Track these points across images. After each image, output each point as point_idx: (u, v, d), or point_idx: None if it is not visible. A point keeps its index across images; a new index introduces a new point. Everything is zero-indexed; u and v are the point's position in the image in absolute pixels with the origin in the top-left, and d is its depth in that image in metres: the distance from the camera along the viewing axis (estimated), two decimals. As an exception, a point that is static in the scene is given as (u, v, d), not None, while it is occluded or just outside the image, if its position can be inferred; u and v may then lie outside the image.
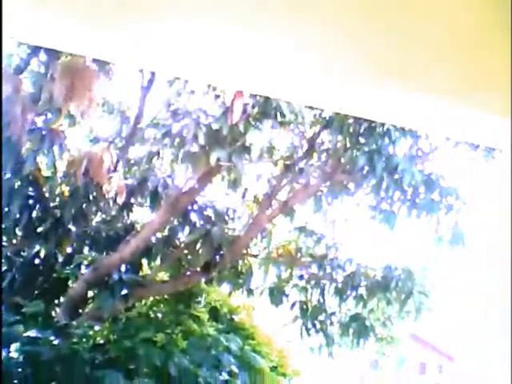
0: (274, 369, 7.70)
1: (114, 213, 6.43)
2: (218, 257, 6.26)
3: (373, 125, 5.76)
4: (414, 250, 8.06)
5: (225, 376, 6.57)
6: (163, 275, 7.29)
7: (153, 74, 6.17)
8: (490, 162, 5.80)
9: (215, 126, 5.26)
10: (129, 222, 6.63)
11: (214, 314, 7.38)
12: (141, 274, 6.77)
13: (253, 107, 5.44)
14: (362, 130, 5.89)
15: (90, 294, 6.40)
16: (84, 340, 5.91)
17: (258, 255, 6.92)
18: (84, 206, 6.00)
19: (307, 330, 6.97)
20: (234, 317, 7.87)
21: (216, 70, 1.46)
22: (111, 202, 6.19)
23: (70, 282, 6.41)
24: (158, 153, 6.06)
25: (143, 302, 7.10)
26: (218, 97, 5.47)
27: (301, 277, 6.97)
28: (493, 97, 1.48)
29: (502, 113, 1.48)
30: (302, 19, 1.35)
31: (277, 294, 6.84)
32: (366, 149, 5.84)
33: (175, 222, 6.39)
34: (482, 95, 1.48)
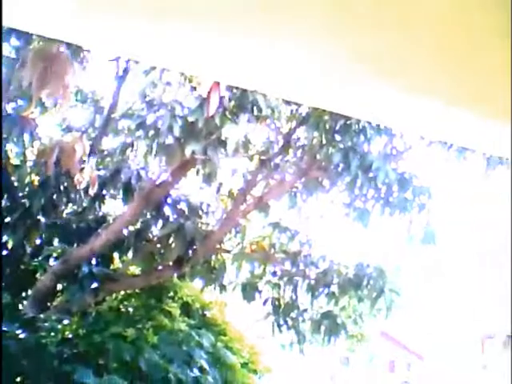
0: (245, 365, 7.69)
1: (85, 204, 6.30)
2: (190, 251, 6.19)
3: (348, 122, 5.78)
4: (387, 249, 8.14)
5: (196, 372, 6.52)
6: (135, 269, 7.19)
7: (128, 63, 6.06)
8: (462, 161, 5.88)
9: (191, 119, 5.18)
10: (100, 214, 6.51)
11: (186, 309, 7.32)
12: (112, 267, 6.66)
13: (229, 100, 5.38)
14: (337, 127, 5.90)
15: (59, 286, 6.26)
16: (52, 334, 5.79)
17: (231, 251, 6.88)
18: (54, 196, 5.87)
19: (279, 326, 6.96)
20: (206, 312, 7.82)
21: (193, 60, 1.42)
22: (82, 194, 6.06)
23: (38, 275, 6.26)
24: (132, 144, 5.95)
25: (114, 296, 6.99)
26: (194, 89, 5.39)
27: (274, 273, 6.96)
28: (493, 101, 1.47)
29: (501, 117, 1.47)
30: (281, 10, 1.32)
31: (249, 290, 6.81)
32: (342, 146, 5.85)
33: (148, 216, 6.30)
34: (481, 99, 1.46)
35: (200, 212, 6.59)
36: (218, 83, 4.80)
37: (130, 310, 7.12)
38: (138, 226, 6.42)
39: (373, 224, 6.41)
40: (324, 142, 6.03)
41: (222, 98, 5.18)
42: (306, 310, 7.01)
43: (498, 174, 5.74)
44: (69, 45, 4.71)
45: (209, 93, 4.82)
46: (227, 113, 5.38)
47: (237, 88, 5.34)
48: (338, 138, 5.96)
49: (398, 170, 6.10)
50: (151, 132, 5.33)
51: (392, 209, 6.14)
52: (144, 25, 1.26)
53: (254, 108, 5.51)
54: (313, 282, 6.74)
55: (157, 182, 6.02)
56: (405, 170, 6.18)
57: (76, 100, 6.81)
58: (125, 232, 6.26)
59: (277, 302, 6.94)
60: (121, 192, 6.18)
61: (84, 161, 5.74)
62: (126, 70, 6.28)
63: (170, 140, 5.32)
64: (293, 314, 6.97)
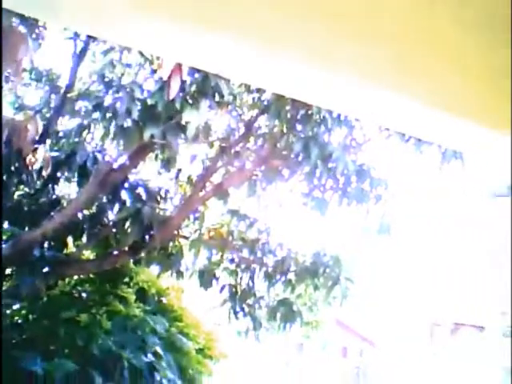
0: (200, 351, 7.70)
1: (38, 186, 6.09)
2: (147, 237, 6.10)
3: (310, 112, 5.79)
4: (343, 238, 8.27)
5: (150, 357, 6.49)
6: (89, 254, 7.05)
7: (86, 42, 5.86)
8: (418, 155, 6.01)
9: (150, 102, 5.07)
10: (54, 196, 6.32)
11: (142, 295, 7.24)
12: (65, 251, 6.50)
13: (191, 85, 5.28)
14: (299, 117, 5.91)
15: (8, 271, 6.06)
16: (0, 319, 5.61)
17: (189, 237, 6.83)
18: (5, 177, 5.64)
19: (235, 313, 6.99)
20: (162, 298, 7.77)
21: (156, 40, 1.37)
22: (35, 175, 5.85)
23: (-14, 258, 6.03)
24: (89, 126, 5.78)
25: (67, 280, 6.84)
26: (154, 71, 5.27)
27: (231, 260, 6.97)
28: (450, 95, 1.48)
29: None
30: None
31: (207, 277, 6.79)
32: (302, 135, 5.86)
33: (104, 200, 6.16)
34: (437, 92, 1.47)
35: (158, 197, 6.50)
36: (179, 66, 4.70)
37: (84, 295, 7.00)
38: (94, 209, 6.27)
39: (330, 214, 6.49)
40: (285, 130, 6.03)
41: (183, 82, 5.08)
42: (262, 297, 7.05)
43: (453, 167, 5.90)
44: (23, 19, 4.51)
45: (170, 76, 4.71)
46: (188, 97, 5.29)
47: (199, 72, 5.25)
48: (299, 127, 5.97)
49: (357, 162, 6.18)
50: (109, 114, 5.18)
51: (350, 199, 6.22)
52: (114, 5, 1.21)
53: (216, 94, 5.43)
54: (270, 269, 6.78)
55: (114, 166, 5.88)
56: (363, 161, 6.26)
57: (30, 78, 6.55)
58: (79, 216, 6.11)
59: (234, 289, 6.96)
60: (76, 175, 6.01)
61: (37, 141, 5.54)
62: (83, 49, 6.07)
63: (128, 123, 5.19)
64: (249, 301, 7.00)
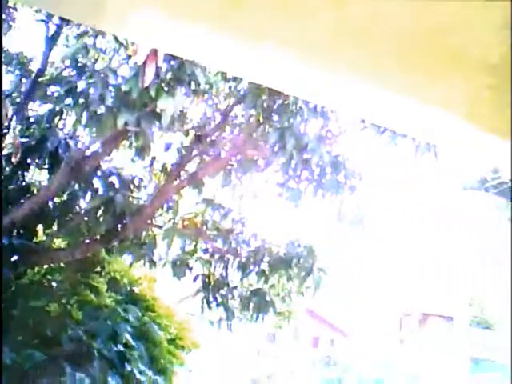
0: (172, 341, 7.67)
1: (7, 173, 5.93)
2: (120, 226, 6.02)
3: (286, 102, 5.77)
4: (317, 229, 8.32)
5: (120, 348, 6.43)
6: (60, 242, 6.92)
7: (59, 25, 5.70)
8: (393, 147, 6.06)
9: (125, 88, 4.96)
10: (24, 183, 6.16)
11: (114, 284, 7.16)
12: (35, 240, 6.36)
13: (166, 72, 5.20)
14: (275, 107, 5.88)
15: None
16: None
17: (162, 226, 6.76)
18: (-29, 162, 5.47)
19: (208, 303, 6.97)
20: (134, 288, 7.70)
21: (130, 25, 1.33)
22: (4, 161, 5.69)
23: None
24: (61, 112, 5.64)
25: (36, 269, 6.70)
26: (129, 57, 5.16)
27: (205, 250, 6.93)
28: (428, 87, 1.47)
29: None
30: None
31: (180, 267, 6.75)
32: (278, 126, 5.85)
33: (76, 187, 6.04)
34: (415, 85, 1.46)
35: (131, 186, 6.40)
36: (155, 53, 4.61)
37: (54, 284, 6.88)
38: (65, 197, 6.14)
39: (305, 204, 6.51)
40: (261, 120, 6.00)
41: (158, 68, 5.00)
42: (235, 288, 7.05)
43: (427, 160, 5.97)
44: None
45: (145, 62, 4.62)
46: (163, 85, 5.20)
47: (174, 60, 5.17)
48: (275, 117, 5.95)
49: (332, 153, 6.20)
50: (82, 100, 5.06)
51: (324, 190, 6.24)
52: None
53: (192, 82, 5.36)
54: (244, 259, 6.78)
55: (86, 153, 5.76)
56: (338, 152, 6.29)
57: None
58: (50, 204, 5.98)
59: (207, 279, 6.93)
60: (47, 161, 5.87)
61: (6, 126, 5.38)
62: (56, 33, 5.91)
63: (101, 109, 5.08)
64: (222, 291, 6.99)
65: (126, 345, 6.47)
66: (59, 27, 5.97)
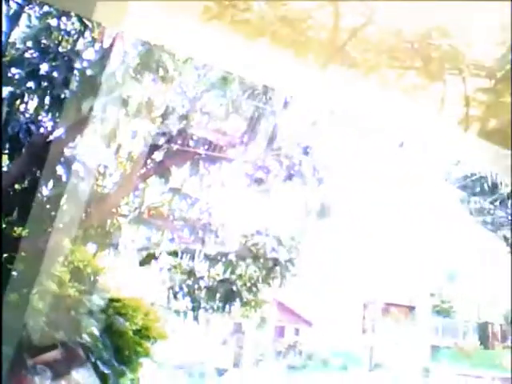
0: (137, 332, 7.58)
1: (-36, 158, 5.69)
2: (84, 214, 5.88)
3: (256, 92, 5.73)
4: (285, 220, 8.35)
5: (85, 338, 6.33)
6: (21, 231, 6.71)
7: (20, 5, 5.46)
8: (364, 139, 6.11)
9: (90, 72, 4.82)
10: (-18, 169, 5.93)
11: (77, 274, 7.01)
12: (-6, 228, 6.15)
13: (133, 57, 5.07)
14: (245, 96, 5.83)
15: None
16: None
17: (128, 215, 6.64)
18: None
19: (175, 293, 6.92)
20: (98, 278, 7.56)
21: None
22: (-39, 146, 5.46)
23: None
24: (23, 95, 5.43)
25: (-5, 258, 6.49)
26: (95, 40, 5.01)
27: (172, 240, 6.86)
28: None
29: None
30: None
31: (146, 257, 6.66)
32: (248, 115, 5.80)
33: (38, 174, 5.85)
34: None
35: (96, 174, 6.25)
36: (122, 36, 4.49)
37: (14, 274, 6.68)
38: (26, 184, 5.95)
39: (273, 196, 6.51)
40: (230, 110, 5.94)
41: (125, 53, 4.87)
42: (202, 278, 7.02)
43: (399, 153, 6.05)
44: None
45: (111, 46, 4.49)
46: (131, 70, 5.08)
47: (142, 45, 5.05)
48: (244, 107, 5.90)
49: (302, 144, 6.21)
50: (44, 83, 4.89)
51: (293, 182, 6.25)
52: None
53: (160, 68, 5.25)
54: (211, 250, 6.74)
55: (49, 139, 5.58)
56: (308, 144, 6.30)
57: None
58: (10, 190, 5.78)
59: (173, 269, 6.87)
60: (7, 147, 5.66)
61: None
62: (18, 12, 5.66)
63: (65, 94, 4.93)
64: (189, 282, 6.95)
65: (90, 335, 6.37)
66: (21, 6, 5.73)
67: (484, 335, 12.71)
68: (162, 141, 6.32)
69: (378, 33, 1.42)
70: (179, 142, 6.31)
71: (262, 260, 6.73)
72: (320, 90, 1.59)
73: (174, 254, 6.89)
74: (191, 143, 6.27)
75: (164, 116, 6.25)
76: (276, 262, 6.58)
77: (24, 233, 6.70)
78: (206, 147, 6.32)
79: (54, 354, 6.00)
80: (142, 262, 6.71)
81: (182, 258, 6.94)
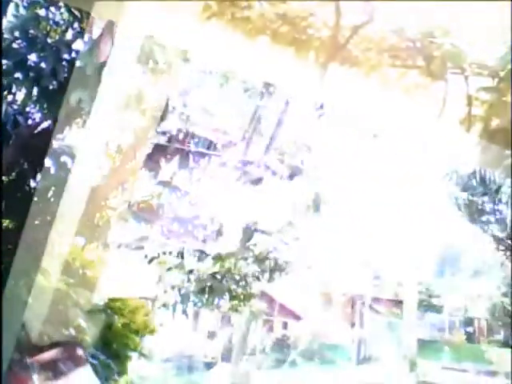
0: (126, 325, 7.57)
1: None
2: (73, 207, 5.83)
3: (247, 86, 5.72)
4: (275, 214, 8.36)
5: (72, 332, 6.31)
6: (8, 223, 6.66)
7: (8, -7, 5.38)
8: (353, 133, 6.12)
9: (79, 63, 4.77)
10: (-32, 161, 5.86)
11: (65, 267, 6.98)
12: (-20, 220, 6.10)
13: (123, 49, 5.01)
14: (246, 95, 5.83)
15: None
16: None
17: (117, 208, 6.61)
18: None
19: (163, 287, 6.91)
20: (86, 271, 7.53)
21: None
22: None
23: None
24: (10, 86, 5.36)
25: (-18, 251, 6.43)
26: (84, 31, 4.95)
27: (161, 233, 6.85)
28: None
29: None
30: None
31: (135, 250, 6.64)
32: (249, 114, 5.80)
33: (25, 166, 5.80)
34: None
35: (85, 166, 6.20)
36: (111, 27, 4.44)
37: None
38: (13, 176, 5.89)
39: (263, 189, 6.52)
40: (231, 108, 5.93)
41: (115, 44, 4.81)
42: (191, 271, 7.01)
43: (399, 152, 6.07)
44: None
45: (100, 37, 4.44)
46: (120, 61, 5.02)
47: (132, 37, 5.00)
48: (245, 105, 5.89)
49: (292, 138, 6.21)
50: (32, 74, 4.83)
51: (283, 176, 6.26)
52: None
53: (150, 60, 5.21)
54: (201, 243, 6.74)
55: (37, 130, 5.53)
56: (298, 138, 6.30)
57: None
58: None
59: (162, 263, 6.86)
60: (-6, 138, 5.59)
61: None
62: (5, 1, 5.58)
63: (53, 85, 4.87)
64: (178, 275, 6.94)
65: (78, 328, 6.35)
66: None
67: (470, 330, 12.90)
68: (151, 133, 6.29)
69: (379, 31, 1.42)
70: (169, 134, 6.28)
71: (251, 253, 6.75)
72: (321, 88, 1.58)
73: (164, 247, 6.87)
74: (181, 136, 6.25)
75: (154, 108, 6.22)
76: (266, 255, 6.59)
77: (11, 225, 6.66)
78: (196, 140, 6.31)
79: (53, 354, 5.97)
80: (131, 255, 6.69)
81: (171, 251, 6.93)
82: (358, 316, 16.97)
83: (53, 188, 5.65)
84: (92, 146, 6.47)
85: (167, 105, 6.21)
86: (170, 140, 6.26)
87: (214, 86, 5.76)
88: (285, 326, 18.70)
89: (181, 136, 6.26)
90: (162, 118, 6.16)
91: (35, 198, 5.86)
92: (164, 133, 6.19)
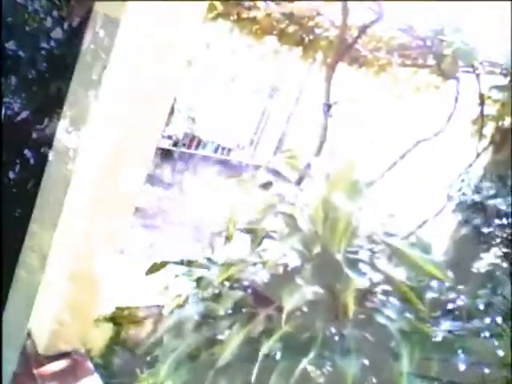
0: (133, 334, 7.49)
1: None
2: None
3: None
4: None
5: (79, 342, 6.18)
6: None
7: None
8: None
9: (58, 52, 4.64)
10: None
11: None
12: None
13: (105, 38, 4.88)
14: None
15: None
16: None
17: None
18: None
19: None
20: (93, 278, 7.41)
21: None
22: None
23: None
24: (-13, 76, 5.21)
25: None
26: (63, 19, 4.82)
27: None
28: None
29: None
30: None
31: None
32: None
33: (3, 157, 5.67)
34: None
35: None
36: (92, 15, 4.31)
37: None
38: (-8, 168, 5.75)
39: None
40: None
41: (97, 32, 4.68)
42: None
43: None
44: None
45: (80, 25, 4.32)
46: (102, 51, 4.89)
47: (114, 25, 4.86)
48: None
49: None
50: (9, 63, 4.70)
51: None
52: None
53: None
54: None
55: (15, 121, 5.40)
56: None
57: None
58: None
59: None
60: (-29, 128, 5.44)
61: None
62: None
63: (32, 74, 4.75)
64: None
65: (84, 338, 6.22)
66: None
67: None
68: (168, 143, 6.18)
69: (388, 30, 1.31)
70: (185, 145, 6.17)
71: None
72: (329, 89, 1.48)
73: (171, 254, 6.77)
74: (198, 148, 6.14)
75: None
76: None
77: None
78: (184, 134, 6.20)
79: (60, 365, 5.81)
80: (139, 264, 6.57)
81: (179, 259, 6.80)
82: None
83: (32, 181, 5.53)
84: (73, 138, 6.33)
85: (172, 108, 6.09)
86: (175, 144, 6.16)
87: (220, 88, 5.63)
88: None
89: (187, 140, 6.15)
90: (167, 122, 6.04)
91: (14, 191, 5.74)
92: (170, 137, 6.08)
